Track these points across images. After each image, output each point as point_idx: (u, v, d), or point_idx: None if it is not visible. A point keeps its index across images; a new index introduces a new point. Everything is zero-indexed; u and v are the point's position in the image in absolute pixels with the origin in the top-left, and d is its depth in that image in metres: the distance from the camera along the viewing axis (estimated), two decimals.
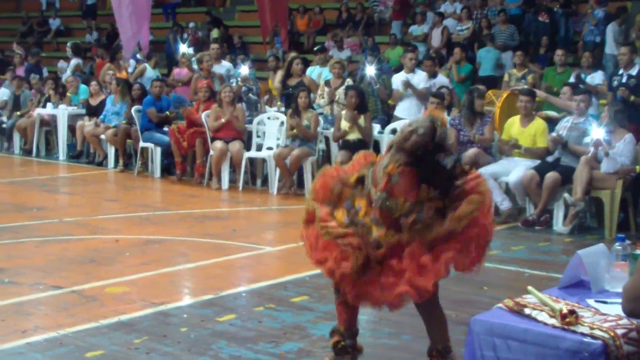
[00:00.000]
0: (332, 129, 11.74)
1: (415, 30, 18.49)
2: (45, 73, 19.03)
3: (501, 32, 16.66)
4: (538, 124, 10.22)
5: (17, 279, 7.21)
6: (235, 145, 12.15)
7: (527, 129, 10.19)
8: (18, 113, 16.28)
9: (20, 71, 18.57)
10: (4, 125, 16.52)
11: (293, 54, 14.57)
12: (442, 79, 12.85)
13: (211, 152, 12.28)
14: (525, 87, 11.48)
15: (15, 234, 9.02)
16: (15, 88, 16.95)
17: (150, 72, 15.77)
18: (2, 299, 6.62)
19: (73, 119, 15.51)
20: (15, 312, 6.33)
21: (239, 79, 13.68)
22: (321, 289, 6.93)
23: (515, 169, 9.96)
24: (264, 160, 12.42)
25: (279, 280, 7.30)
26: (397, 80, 12.34)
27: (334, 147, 11.94)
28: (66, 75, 17.53)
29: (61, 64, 20.06)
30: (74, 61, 18.59)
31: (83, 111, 15.39)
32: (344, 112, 11.43)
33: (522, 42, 16.59)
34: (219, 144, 12.17)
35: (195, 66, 14.62)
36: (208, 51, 14.71)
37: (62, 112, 15.51)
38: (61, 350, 5.49)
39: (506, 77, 13.69)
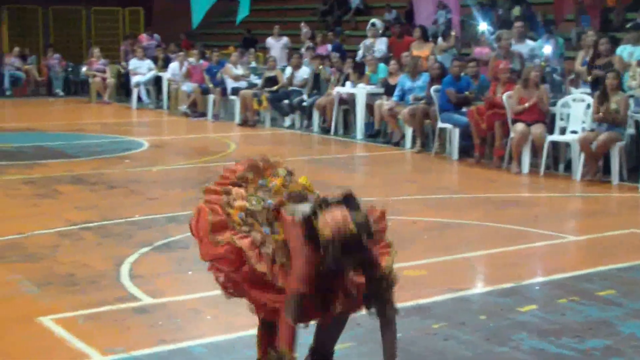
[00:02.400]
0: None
1: None
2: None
3: None
4: None
5: None
6: (538, 128, 11.66)
7: None
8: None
9: (322, 50, 18.93)
10: (304, 104, 16.88)
11: (591, 33, 13.78)
12: None
13: (511, 135, 11.86)
14: None
15: None
16: (315, 66, 17.28)
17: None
18: None
19: (371, 97, 15.56)
20: None
21: (543, 59, 13.11)
22: (630, 283, 6.53)
23: None
24: (567, 145, 11.84)
25: (583, 271, 6.89)
26: None
27: None
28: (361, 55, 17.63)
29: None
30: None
31: (381, 90, 15.40)
32: None
33: None
34: (520, 126, 11.73)
35: (495, 45, 14.20)
36: (507, 29, 14.24)
37: (360, 91, 15.62)
38: (358, 331, 5.30)
39: None
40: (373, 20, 19.51)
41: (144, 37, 24.15)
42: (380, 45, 17.97)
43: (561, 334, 5.34)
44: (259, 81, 18.10)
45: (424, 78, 14.19)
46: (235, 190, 4.37)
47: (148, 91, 21.36)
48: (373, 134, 15.43)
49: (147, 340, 5.23)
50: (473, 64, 13.66)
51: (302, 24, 21.87)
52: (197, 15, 15.10)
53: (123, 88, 22.89)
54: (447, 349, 5.10)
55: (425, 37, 16.41)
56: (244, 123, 17.36)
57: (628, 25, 14.72)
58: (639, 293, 6.28)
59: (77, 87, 24.69)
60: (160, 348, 5.09)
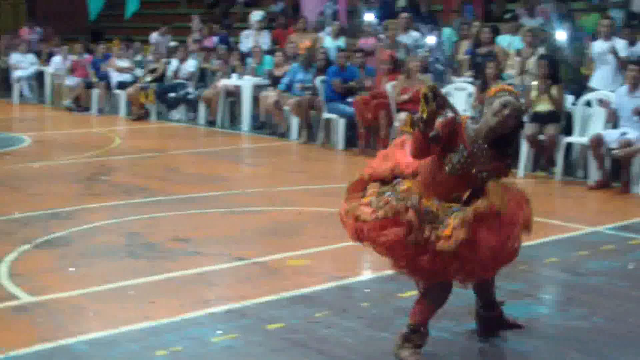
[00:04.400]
0: (521, 101, 11.20)
1: None
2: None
3: None
4: None
5: (201, 249, 7.22)
6: None
7: None
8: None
9: (209, 42, 18.82)
10: (190, 96, 16.77)
11: (476, 23, 14.10)
12: None
13: (395, 124, 12.02)
14: None
15: (199, 205, 9.05)
16: (202, 59, 17.19)
17: (329, 42, 15.59)
18: (187, 268, 6.64)
19: (257, 89, 15.55)
20: (198, 282, 6.33)
21: (426, 49, 13.33)
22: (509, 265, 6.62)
23: None
24: None
25: None
26: (595, 48, 11.62)
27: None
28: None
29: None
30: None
31: (267, 82, 15.41)
32: (534, 82, 10.91)
33: None
34: (403, 115, 11.86)
35: (381, 35, 14.36)
36: (394, 20, 14.44)
37: (246, 83, 15.60)
38: (243, 322, 5.43)
39: None
40: (260, 12, 19.52)
41: (25, 31, 23.55)
42: (264, 39, 17.99)
43: (441, 318, 5.34)
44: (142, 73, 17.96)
45: (314, 70, 14.26)
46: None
47: (30, 86, 20.87)
48: (259, 125, 15.44)
49: (27, 339, 5.13)
50: (359, 55, 13.79)
51: (193, 16, 21.73)
52: (95, 7, 14.94)
53: (4, 83, 22.28)
54: (330, 337, 5.16)
55: (308, 28, 16.49)
56: (139, 118, 17.14)
57: (507, 16, 15.09)
58: (516, 275, 6.32)
59: None
60: (41, 347, 5.00)
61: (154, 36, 20.21)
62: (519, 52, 12.24)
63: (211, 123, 16.12)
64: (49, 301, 5.84)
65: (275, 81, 15.03)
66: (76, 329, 5.28)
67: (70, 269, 6.59)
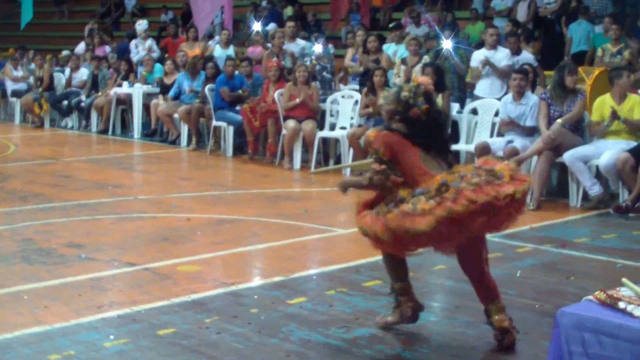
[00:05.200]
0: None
1: (499, 4, 17.82)
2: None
3: (594, 4, 15.75)
4: (634, 98, 9.66)
5: (94, 255, 7.28)
6: (308, 125, 12.07)
7: (623, 105, 9.65)
8: (100, 94, 16.38)
9: (100, 51, 18.75)
10: (82, 104, 16.71)
11: (361, 32, 14.40)
12: (527, 56, 12.18)
13: (283, 132, 12.22)
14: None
15: (92, 211, 9.08)
16: (94, 68, 17.16)
17: (219, 51, 15.72)
18: (80, 274, 6.70)
19: (148, 97, 15.57)
20: (91, 288, 6.38)
21: (313, 57, 13.57)
22: None
23: (608, 151, 9.39)
24: (337, 140, 12.30)
25: (351, 263, 7.17)
26: (477, 57, 11.97)
27: None
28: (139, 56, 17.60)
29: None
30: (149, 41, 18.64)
31: (157, 90, 15.44)
32: None
33: (618, 13, 15.47)
34: (291, 123, 12.10)
35: (269, 44, 14.54)
36: (280, 28, 14.63)
37: (137, 91, 15.60)
38: (134, 327, 5.50)
39: (599, 53, 13.10)
40: (145, 21, 19.46)
41: None
42: (154, 46, 18.03)
43: (329, 324, 5.57)
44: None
45: (202, 77, 14.34)
46: None
47: None
48: (150, 133, 15.44)
49: None
50: (246, 63, 13.95)
51: (87, 26, 21.65)
52: (25, 18, 14.73)
53: None
54: (220, 342, 5.25)
55: (197, 37, 16.58)
56: (41, 125, 16.95)
57: (391, 25, 15.44)
58: None
59: None
60: None
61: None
62: (404, 61, 12.55)
63: (103, 130, 16.06)
64: None
65: (164, 89, 15.07)
66: None
67: None
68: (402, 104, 5.25)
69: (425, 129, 5.25)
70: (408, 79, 12.22)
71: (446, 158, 5.28)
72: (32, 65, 19.50)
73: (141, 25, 18.53)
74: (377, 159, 5.21)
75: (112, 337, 5.32)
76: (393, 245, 5.18)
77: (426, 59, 12.28)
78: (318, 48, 13.90)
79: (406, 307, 5.51)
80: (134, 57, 17.64)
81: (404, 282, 5.54)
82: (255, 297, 6.22)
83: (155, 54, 17.53)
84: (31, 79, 18.29)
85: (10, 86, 18.01)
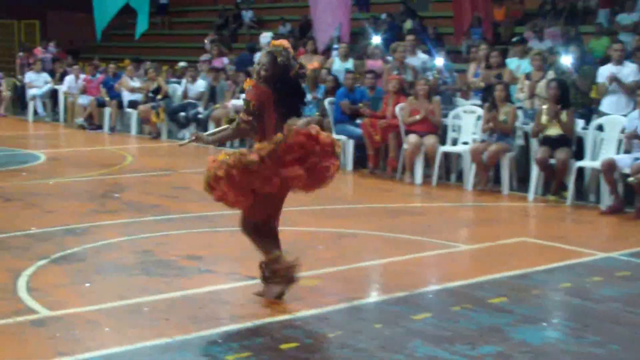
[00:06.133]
0: (531, 124, 11.31)
1: (625, 18, 17.35)
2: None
3: None
4: None
5: (213, 268, 7.30)
6: (430, 139, 11.95)
7: None
8: (217, 106, 16.58)
9: (218, 63, 18.99)
10: (200, 116, 16.90)
11: (484, 46, 14.18)
12: None
13: (404, 146, 12.12)
14: None
15: (210, 223, 9.15)
16: (212, 79, 17.35)
17: (338, 64, 15.72)
18: (199, 286, 6.73)
19: None
20: (211, 301, 6.40)
21: (435, 71, 13.43)
22: (520, 290, 6.74)
23: None
24: (459, 155, 12.15)
25: (475, 280, 7.06)
26: (603, 73, 11.68)
27: (533, 142, 11.47)
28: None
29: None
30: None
31: None
32: (545, 106, 10.98)
33: None
34: (413, 137, 12.00)
35: (389, 57, 14.47)
36: (401, 42, 14.54)
37: None
38: (256, 341, 5.48)
39: None
40: (270, 33, 19.70)
41: (39, 50, 23.80)
42: None
43: (454, 341, 5.48)
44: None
45: (321, 90, 14.36)
46: None
47: (44, 104, 21.08)
48: None
49: (44, 352, 5.22)
50: (370, 76, 13.87)
51: (206, 38, 22.00)
52: (100, 26, 15.06)
53: (19, 101, 22.53)
54: (343, 358, 5.20)
55: (315, 50, 16.63)
56: (157, 137, 17.33)
57: (514, 39, 15.17)
58: (529, 300, 6.50)
59: None
60: None
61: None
62: (527, 76, 12.33)
63: (221, 143, 16.20)
64: (66, 315, 5.93)
65: None
66: (92, 344, 5.36)
67: (86, 284, 6.69)
68: (281, 67, 5.98)
69: (296, 88, 6.09)
70: (532, 95, 12.00)
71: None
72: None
73: (265, 37, 18.75)
74: (247, 110, 5.95)
75: (233, 351, 5.31)
76: (230, 190, 5.98)
77: (550, 74, 12.02)
78: (439, 61, 13.77)
79: (284, 270, 6.18)
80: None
81: (274, 252, 6.21)
82: (378, 312, 6.16)
83: None
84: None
85: (126, 97, 18.35)
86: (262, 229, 6.24)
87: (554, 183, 10.89)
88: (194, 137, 6.47)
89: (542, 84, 11.76)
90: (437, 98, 12.51)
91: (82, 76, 19.80)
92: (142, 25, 17.42)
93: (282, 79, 6.01)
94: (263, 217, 6.22)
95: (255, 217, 6.21)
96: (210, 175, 6.01)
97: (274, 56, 6.02)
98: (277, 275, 6.23)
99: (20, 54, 24.34)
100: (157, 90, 17.73)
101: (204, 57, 20.28)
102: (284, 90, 6.01)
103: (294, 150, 5.95)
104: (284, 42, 6.15)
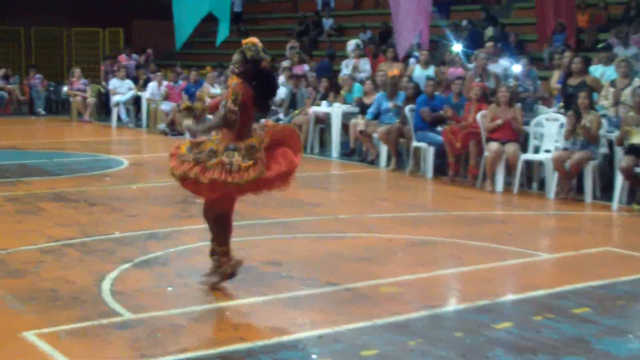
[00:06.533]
0: (616, 132, 11.11)
1: None
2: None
3: None
4: None
5: (292, 273, 7.32)
6: (511, 147, 11.82)
7: None
8: (296, 112, 16.66)
9: (299, 70, 19.08)
10: (280, 122, 16.96)
11: (568, 53, 13.98)
12: None
13: (485, 153, 12.01)
14: None
15: (291, 229, 9.19)
16: (292, 86, 17.44)
17: (419, 71, 15.68)
18: (279, 292, 6.74)
19: (346, 116, 15.72)
20: (292, 306, 6.41)
21: (513, 78, 13.30)
22: (604, 301, 6.63)
23: None
24: (541, 163, 11.98)
25: (558, 289, 6.97)
26: None
27: (617, 151, 11.26)
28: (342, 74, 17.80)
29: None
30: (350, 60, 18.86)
31: (356, 109, 15.55)
32: (630, 114, 10.77)
33: None
34: (494, 145, 11.88)
35: (469, 65, 14.37)
36: (484, 49, 14.43)
37: (336, 110, 15.78)
38: (336, 347, 5.48)
39: None
40: (356, 41, 19.75)
41: (123, 58, 24.25)
42: (365, 66, 18.21)
43: (537, 351, 5.41)
44: None
45: (401, 97, 14.33)
46: None
47: (128, 110, 21.48)
48: (348, 152, 15.56)
49: (128, 355, 5.30)
50: (460, 82, 13.74)
51: (288, 45, 22.11)
52: (181, 36, 15.23)
53: (103, 107, 23.02)
54: None
55: (396, 57, 16.62)
56: None
57: (600, 46, 14.94)
58: (613, 311, 6.39)
59: (58, 107, 24.77)
60: None
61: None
62: (612, 83, 12.11)
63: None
64: (148, 319, 6.01)
65: (364, 108, 15.15)
66: (174, 348, 5.42)
67: (168, 288, 6.78)
68: (252, 62, 6.33)
69: (269, 78, 6.46)
70: (617, 102, 11.80)
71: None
72: None
73: (351, 45, 18.84)
74: (235, 101, 6.26)
75: (314, 356, 5.33)
76: (209, 189, 6.31)
77: (637, 81, 11.81)
78: (517, 68, 13.62)
79: (228, 266, 6.65)
80: (343, 75, 17.82)
81: (226, 246, 6.66)
82: (459, 320, 6.12)
83: (364, 74, 17.68)
84: None
85: (207, 103, 18.57)
86: (222, 220, 6.68)
87: (639, 192, 10.70)
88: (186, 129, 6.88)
89: (627, 92, 11.55)
90: (518, 105, 12.37)
91: (165, 83, 20.12)
92: (223, 32, 17.62)
93: (255, 73, 6.38)
94: (226, 208, 6.67)
95: (220, 208, 6.62)
96: (180, 174, 6.40)
97: (244, 53, 6.38)
98: (220, 267, 6.69)
99: (105, 61, 24.85)
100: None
101: (285, 63, 20.39)
102: (260, 86, 6.41)
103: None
104: (253, 39, 6.50)
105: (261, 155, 6.32)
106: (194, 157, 6.35)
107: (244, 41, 6.53)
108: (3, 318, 5.98)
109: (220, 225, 6.69)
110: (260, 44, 6.46)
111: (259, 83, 6.42)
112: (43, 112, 23.86)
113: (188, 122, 6.68)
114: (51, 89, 24.85)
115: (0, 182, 11.88)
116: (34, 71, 24.89)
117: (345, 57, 19.24)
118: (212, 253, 6.77)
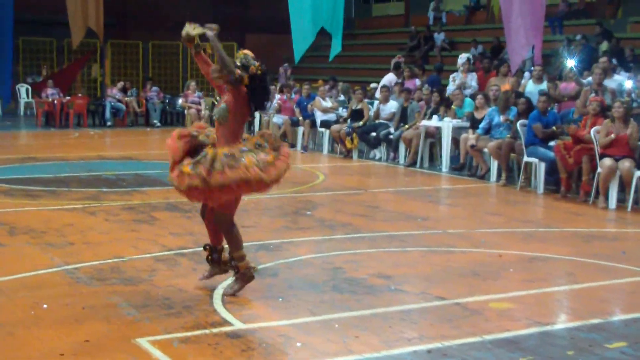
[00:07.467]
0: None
1: None
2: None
3: None
4: None
5: (403, 287, 7.33)
6: (626, 163, 11.57)
7: None
8: (407, 126, 16.67)
9: (410, 84, 19.10)
10: (391, 136, 17.05)
11: None
12: None
13: (599, 170, 11.79)
14: None
15: (401, 242, 9.20)
16: (403, 100, 17.46)
17: (531, 86, 15.50)
18: (389, 305, 6.76)
19: (457, 131, 15.66)
20: (401, 320, 6.41)
21: (626, 93, 13.04)
22: None
23: None
24: None
25: None
26: None
27: None
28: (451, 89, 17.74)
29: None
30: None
31: (467, 124, 15.47)
32: None
33: None
34: (608, 161, 11.65)
35: (583, 80, 14.13)
36: (599, 64, 14.18)
37: (446, 125, 15.73)
38: None
39: None
40: (467, 54, 19.67)
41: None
42: (471, 82, 18.13)
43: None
44: (344, 113, 18.45)
45: (513, 112, 14.21)
46: None
47: None
48: (458, 167, 15.49)
49: None
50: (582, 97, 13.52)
51: (394, 59, 22.18)
52: (299, 51, 15.48)
53: None
54: None
55: (508, 71, 16.47)
56: (348, 156, 17.68)
57: None
58: None
59: (173, 118, 25.49)
60: None
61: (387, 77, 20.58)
62: None
63: (411, 163, 16.28)
64: (259, 329, 6.11)
65: (474, 123, 15.06)
66: (284, 358, 5.51)
67: (279, 299, 6.87)
68: (241, 67, 6.70)
69: (262, 82, 6.77)
70: None
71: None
72: (341, 97, 20.28)
73: (462, 58, 18.80)
74: (238, 76, 6.69)
75: None
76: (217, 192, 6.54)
77: None
78: (629, 84, 13.34)
79: (247, 269, 6.89)
80: (450, 89, 17.79)
81: (242, 250, 6.91)
82: (571, 338, 6.02)
83: (469, 90, 17.60)
84: (340, 110, 19.01)
85: (319, 117, 18.78)
86: (233, 225, 6.92)
87: None
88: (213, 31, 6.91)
89: None
90: (634, 121, 12.10)
91: (278, 96, 20.40)
92: (335, 48, 17.85)
93: (249, 77, 6.73)
94: (233, 211, 6.93)
95: (230, 211, 6.88)
96: (185, 186, 6.77)
97: (235, 62, 6.79)
98: (239, 272, 6.93)
99: None
100: (357, 112, 17.93)
101: (388, 76, 20.45)
102: (252, 86, 6.75)
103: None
104: (245, 51, 6.97)
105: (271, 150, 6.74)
106: (197, 172, 6.61)
107: (237, 53, 7.00)
108: (118, 324, 6.15)
109: (232, 231, 6.93)
110: (251, 54, 6.89)
111: (252, 84, 6.75)
112: (158, 124, 24.49)
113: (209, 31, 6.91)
114: (167, 101, 25.52)
115: (116, 192, 12.24)
116: (151, 84, 25.63)
117: (454, 70, 19.17)
118: (231, 259, 7.01)
